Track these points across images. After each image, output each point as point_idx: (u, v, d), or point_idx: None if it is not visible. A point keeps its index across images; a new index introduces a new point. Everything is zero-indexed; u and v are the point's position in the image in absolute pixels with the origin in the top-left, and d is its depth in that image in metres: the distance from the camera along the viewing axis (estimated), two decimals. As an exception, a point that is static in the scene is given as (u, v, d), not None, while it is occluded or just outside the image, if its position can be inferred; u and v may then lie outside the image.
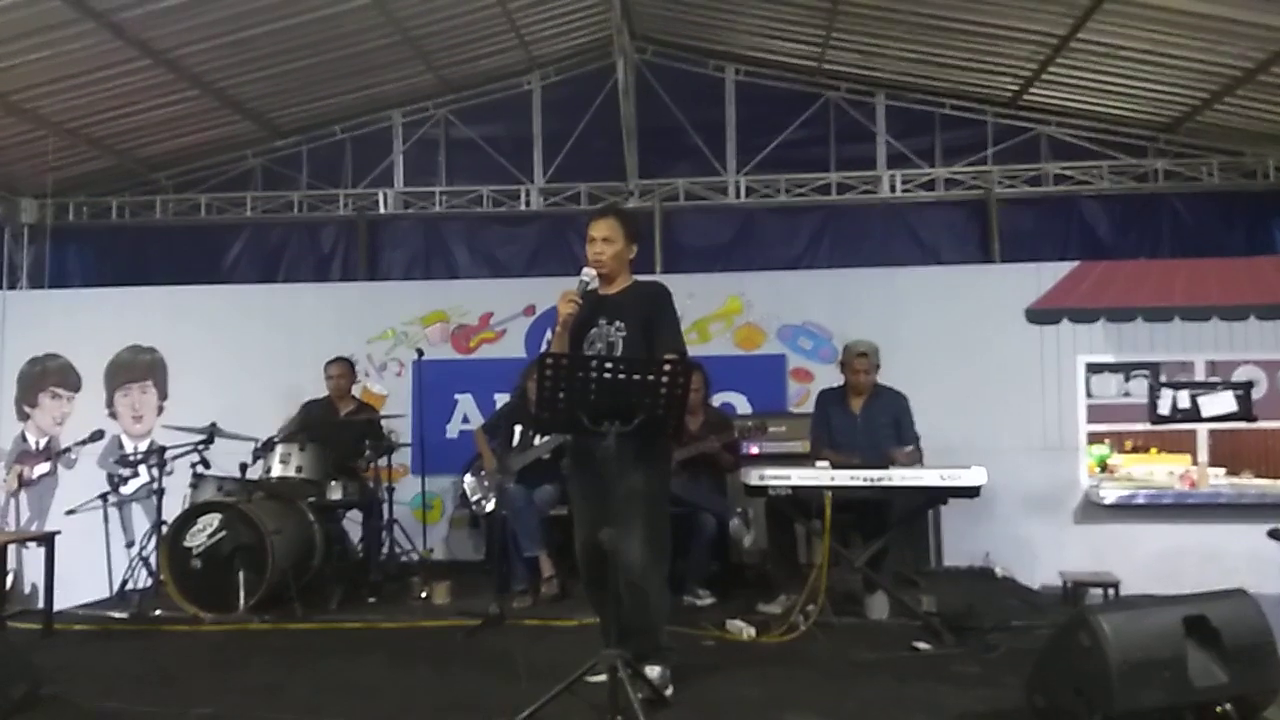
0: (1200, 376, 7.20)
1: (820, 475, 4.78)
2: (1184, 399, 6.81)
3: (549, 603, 5.56)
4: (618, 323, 3.80)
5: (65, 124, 7.63)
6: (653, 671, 3.58)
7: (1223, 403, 6.82)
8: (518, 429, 6.22)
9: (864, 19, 7.26)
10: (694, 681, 3.79)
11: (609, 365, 3.39)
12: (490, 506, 6.18)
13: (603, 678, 3.26)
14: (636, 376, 3.36)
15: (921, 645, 4.42)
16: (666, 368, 3.37)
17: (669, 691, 3.58)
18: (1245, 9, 6.03)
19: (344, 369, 6.67)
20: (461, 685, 3.93)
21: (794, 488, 4.77)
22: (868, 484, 4.75)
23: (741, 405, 7.29)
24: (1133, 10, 6.33)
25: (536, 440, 6.01)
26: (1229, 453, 7.54)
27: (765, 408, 7.16)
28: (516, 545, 5.72)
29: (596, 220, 3.87)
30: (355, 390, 6.93)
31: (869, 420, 5.53)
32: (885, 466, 4.90)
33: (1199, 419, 6.86)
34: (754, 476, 4.80)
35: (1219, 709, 3.06)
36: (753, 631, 4.66)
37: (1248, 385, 6.94)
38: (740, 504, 5.70)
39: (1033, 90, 7.82)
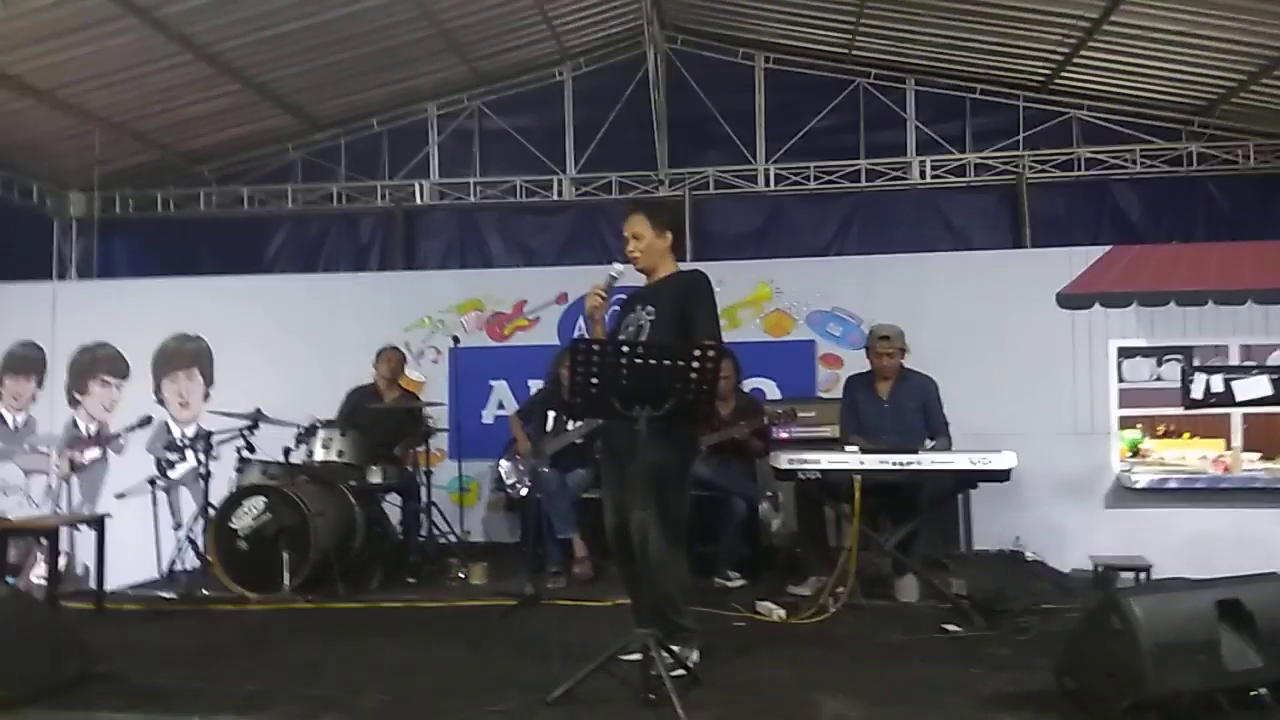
0: (1235, 360, 7.09)
1: (849, 459, 4.77)
2: (1218, 383, 6.67)
3: (582, 584, 5.65)
4: (649, 307, 3.85)
5: (111, 119, 7.81)
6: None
7: (1257, 387, 6.67)
8: (551, 414, 6.32)
9: (893, 4, 7.24)
10: (725, 662, 3.83)
11: (640, 351, 3.42)
12: (525, 490, 6.31)
13: (636, 656, 3.32)
14: (667, 362, 3.37)
15: (951, 627, 4.41)
16: (698, 353, 3.37)
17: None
18: (1281, -11, 5.97)
19: (397, 357, 6.78)
20: (497, 663, 4.00)
21: (823, 472, 4.76)
22: (897, 468, 4.74)
23: (771, 391, 7.29)
24: (1166, -9, 6.30)
25: (570, 425, 6.11)
26: (1264, 437, 7.44)
27: (794, 393, 7.17)
28: (550, 528, 5.81)
29: (626, 219, 3.95)
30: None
31: (897, 405, 5.52)
32: (914, 451, 4.90)
33: (1233, 403, 6.72)
34: (784, 461, 4.80)
35: (1253, 693, 3.01)
36: (783, 613, 4.68)
37: (1283, 369, 6.82)
38: (770, 488, 5.73)
39: (1064, 74, 7.76)
